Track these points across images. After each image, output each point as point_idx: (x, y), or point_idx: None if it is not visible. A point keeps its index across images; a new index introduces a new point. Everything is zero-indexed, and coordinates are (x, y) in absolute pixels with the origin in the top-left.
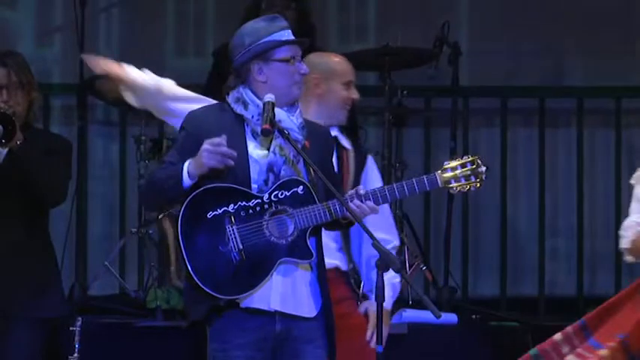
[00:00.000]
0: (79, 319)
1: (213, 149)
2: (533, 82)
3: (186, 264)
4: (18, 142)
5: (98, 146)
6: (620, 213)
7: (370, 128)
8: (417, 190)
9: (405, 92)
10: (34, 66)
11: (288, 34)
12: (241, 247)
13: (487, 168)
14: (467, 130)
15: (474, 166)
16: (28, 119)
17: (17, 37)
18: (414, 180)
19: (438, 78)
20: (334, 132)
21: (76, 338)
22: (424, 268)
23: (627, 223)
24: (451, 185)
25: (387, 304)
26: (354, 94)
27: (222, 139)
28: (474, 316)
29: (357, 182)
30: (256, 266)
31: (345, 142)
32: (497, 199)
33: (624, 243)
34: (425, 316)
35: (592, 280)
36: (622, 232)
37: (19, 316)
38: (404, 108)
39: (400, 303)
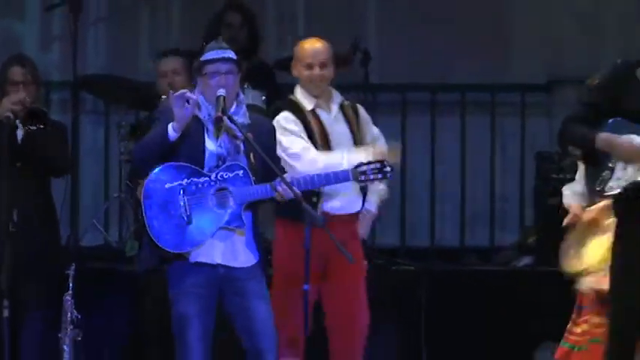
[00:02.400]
0: (73, 264)
1: (179, 94)
2: (427, 80)
3: (145, 223)
4: (33, 127)
5: (88, 131)
6: (494, 184)
7: None
8: (333, 181)
9: None
10: (38, 67)
11: (219, 53)
12: (189, 213)
13: (392, 169)
14: (375, 118)
15: (382, 167)
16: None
17: (24, 42)
18: (331, 173)
19: (352, 77)
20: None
21: (70, 280)
22: None
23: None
24: (361, 179)
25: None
26: (316, 71)
27: (184, 91)
28: (379, 262)
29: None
30: (200, 230)
31: None
32: (398, 170)
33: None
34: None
35: (471, 234)
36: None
37: (28, 262)
38: None
39: None
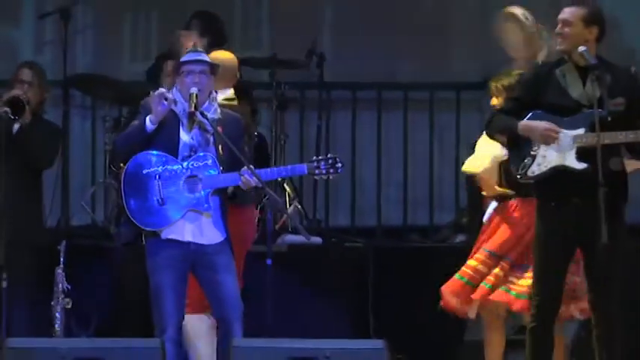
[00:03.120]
0: (63, 241)
1: (158, 93)
2: (374, 79)
3: (124, 204)
4: (27, 121)
5: (77, 123)
6: (433, 171)
7: (263, 111)
8: (290, 173)
9: (286, 86)
10: None
11: (194, 56)
12: (162, 196)
13: (342, 165)
14: (329, 113)
15: (333, 162)
16: (39, 110)
17: (20, 47)
18: (289, 167)
19: (309, 77)
20: None
21: (62, 255)
22: (299, 206)
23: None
24: (315, 174)
25: None
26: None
27: (162, 90)
28: (332, 239)
29: None
30: (171, 211)
31: None
32: (349, 160)
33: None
34: (300, 239)
35: (412, 215)
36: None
37: (23, 238)
38: (285, 97)
39: (283, 230)
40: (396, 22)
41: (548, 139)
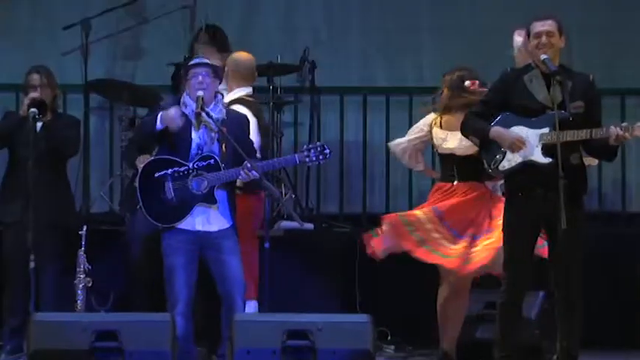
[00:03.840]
0: (84, 227)
1: (178, 112)
2: (359, 84)
3: (141, 205)
4: (48, 118)
5: (96, 123)
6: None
7: None
8: (284, 164)
9: (281, 90)
10: (60, 73)
11: (198, 60)
12: (173, 195)
13: (330, 151)
14: (319, 113)
15: (322, 149)
16: (54, 106)
17: (47, 54)
18: (282, 158)
19: (302, 81)
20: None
21: (83, 238)
22: (294, 196)
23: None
24: (307, 161)
25: None
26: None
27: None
28: (323, 225)
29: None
30: (182, 207)
31: None
32: (338, 155)
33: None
34: (294, 225)
35: (394, 202)
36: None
37: (49, 224)
38: (281, 100)
39: (279, 217)
40: (374, 32)
41: (515, 148)
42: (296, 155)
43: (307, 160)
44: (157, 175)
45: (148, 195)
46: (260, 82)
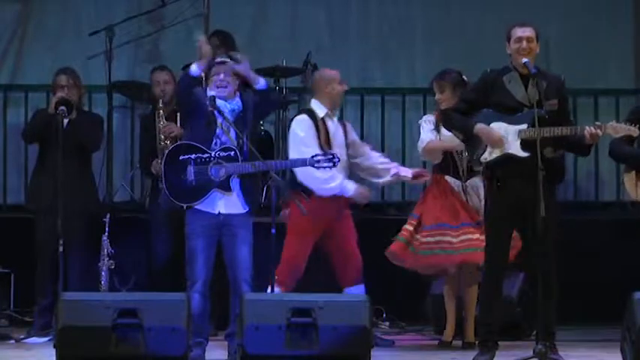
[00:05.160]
0: (108, 214)
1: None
2: (358, 85)
3: (164, 184)
4: (74, 116)
5: (118, 120)
6: (405, 158)
7: None
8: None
9: (287, 90)
10: (86, 75)
11: (217, 59)
12: (193, 178)
13: (339, 159)
14: None
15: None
16: (79, 105)
17: (74, 58)
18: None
19: (305, 83)
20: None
21: (107, 225)
22: None
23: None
24: (315, 165)
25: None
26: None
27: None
28: None
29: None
30: (199, 190)
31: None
32: None
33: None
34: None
35: (389, 193)
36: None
37: (76, 212)
38: (286, 99)
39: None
40: (371, 36)
41: (497, 146)
42: (307, 159)
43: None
44: (181, 157)
45: (170, 174)
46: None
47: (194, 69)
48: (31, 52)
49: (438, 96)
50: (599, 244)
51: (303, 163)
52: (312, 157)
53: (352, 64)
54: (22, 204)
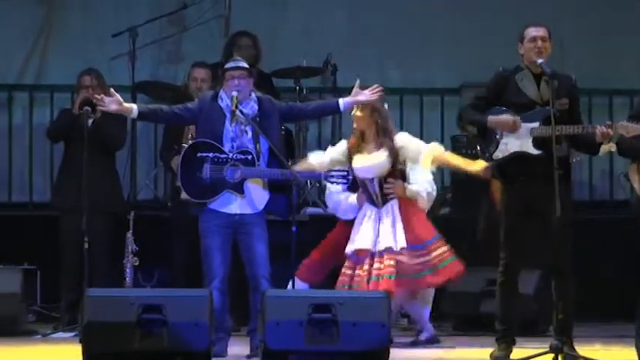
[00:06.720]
0: (132, 212)
1: None
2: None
3: (180, 179)
4: (98, 116)
5: None
6: None
7: None
8: (309, 177)
9: (307, 90)
10: (109, 75)
11: (234, 63)
12: (209, 176)
13: (352, 176)
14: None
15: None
16: None
17: (98, 59)
18: (308, 172)
19: (325, 82)
20: None
21: (131, 223)
22: (318, 185)
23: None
24: (329, 180)
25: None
26: None
27: None
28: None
29: None
30: (213, 189)
31: None
32: None
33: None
34: (318, 210)
35: None
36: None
37: (101, 210)
38: (307, 99)
39: (305, 203)
40: (387, 36)
41: (513, 130)
42: (322, 172)
43: (330, 180)
44: (199, 154)
45: (187, 169)
46: (288, 83)
47: None
48: (55, 54)
49: None
50: (614, 242)
51: (318, 176)
52: (327, 171)
53: (371, 64)
54: (48, 202)
